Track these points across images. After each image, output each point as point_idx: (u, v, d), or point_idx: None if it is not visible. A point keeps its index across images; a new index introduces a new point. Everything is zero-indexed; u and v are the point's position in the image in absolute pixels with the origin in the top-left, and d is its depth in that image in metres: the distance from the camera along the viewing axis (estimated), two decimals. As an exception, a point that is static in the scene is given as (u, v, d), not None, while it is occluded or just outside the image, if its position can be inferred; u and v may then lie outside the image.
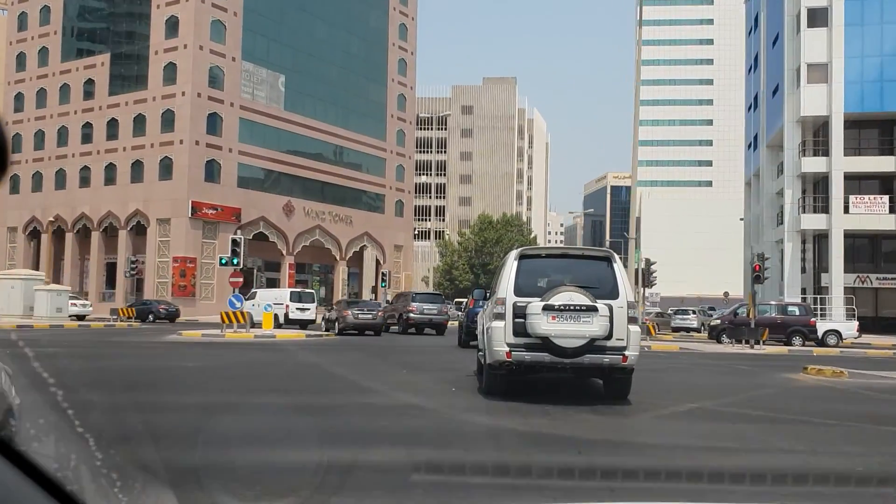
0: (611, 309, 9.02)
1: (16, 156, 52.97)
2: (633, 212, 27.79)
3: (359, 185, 61.55)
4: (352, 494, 4.82)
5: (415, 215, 72.38)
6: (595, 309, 8.94)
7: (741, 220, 64.28)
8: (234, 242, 23.17)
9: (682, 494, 5.16)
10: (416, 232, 74.34)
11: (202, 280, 50.03)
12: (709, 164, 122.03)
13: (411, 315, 28.74)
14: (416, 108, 73.80)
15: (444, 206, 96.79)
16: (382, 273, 42.52)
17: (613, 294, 9.22)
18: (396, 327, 29.96)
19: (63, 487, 1.35)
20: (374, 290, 57.00)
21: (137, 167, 51.30)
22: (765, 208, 46.05)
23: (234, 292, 23.79)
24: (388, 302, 35.76)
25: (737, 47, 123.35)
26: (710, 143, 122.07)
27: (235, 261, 23.23)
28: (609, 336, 9.03)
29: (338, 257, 59.75)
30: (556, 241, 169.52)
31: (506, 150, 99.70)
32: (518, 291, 9.31)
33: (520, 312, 9.15)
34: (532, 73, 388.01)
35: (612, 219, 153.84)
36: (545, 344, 9.05)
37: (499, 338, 9.24)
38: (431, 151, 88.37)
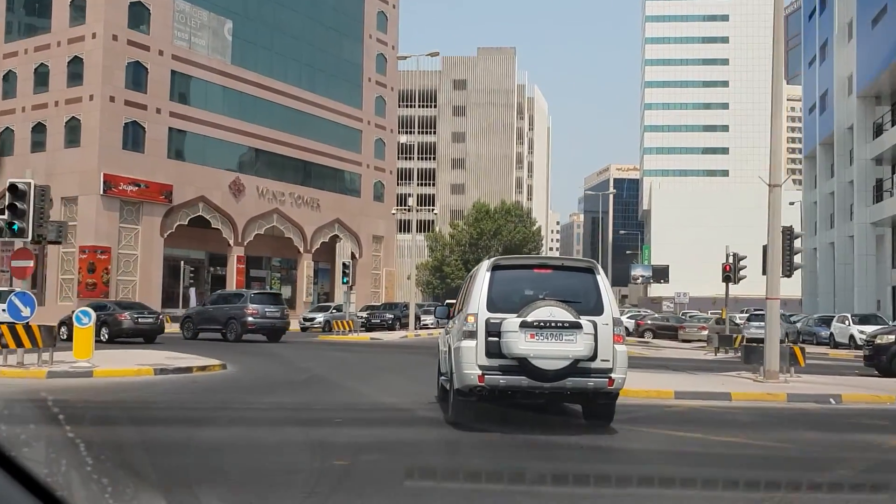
0: (595, 326, 7.97)
1: None
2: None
3: (328, 160, 50.33)
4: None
5: (399, 204, 61.49)
6: (579, 326, 7.89)
7: (791, 204, 53.26)
8: (14, 191, 11.60)
9: None
10: (401, 222, 63.40)
11: (120, 276, 38.85)
12: (725, 151, 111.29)
13: (250, 319, 25.16)
14: (398, 76, 62.79)
15: (433, 195, 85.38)
16: (344, 264, 31.16)
17: (598, 309, 8.21)
18: (220, 334, 25.56)
19: (53, 493, 1.33)
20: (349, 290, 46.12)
21: (39, 132, 40.08)
22: (856, 180, 35.12)
23: (21, 287, 12.37)
24: (201, 304, 30.53)
25: (755, 24, 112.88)
26: (726, 128, 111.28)
27: (16, 227, 11.84)
28: (594, 357, 7.97)
29: (301, 249, 48.55)
30: (553, 241, 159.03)
31: (503, 130, 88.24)
32: (491, 306, 8.16)
33: (493, 330, 8.02)
34: (529, 59, 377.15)
35: (615, 215, 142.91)
36: (522, 366, 7.92)
37: (469, 359, 8.06)
38: (415, 132, 77.24)
